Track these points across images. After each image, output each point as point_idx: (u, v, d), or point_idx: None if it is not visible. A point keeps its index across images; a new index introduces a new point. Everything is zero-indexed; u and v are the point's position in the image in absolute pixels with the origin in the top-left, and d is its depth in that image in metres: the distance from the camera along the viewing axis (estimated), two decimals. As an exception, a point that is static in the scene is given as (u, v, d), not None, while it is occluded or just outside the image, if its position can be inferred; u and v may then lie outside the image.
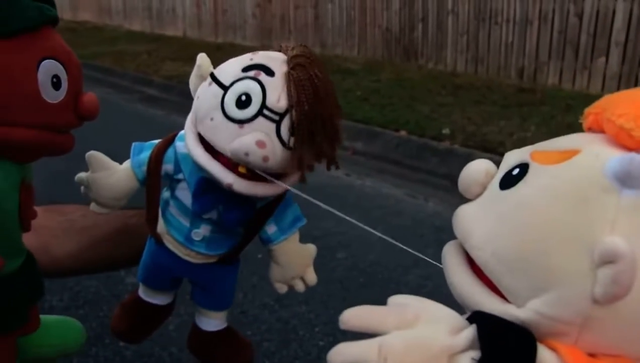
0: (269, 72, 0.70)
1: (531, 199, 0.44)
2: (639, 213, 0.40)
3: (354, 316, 0.44)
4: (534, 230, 0.42)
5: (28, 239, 0.72)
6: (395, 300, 0.46)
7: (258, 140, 0.68)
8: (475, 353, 0.41)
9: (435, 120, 4.01)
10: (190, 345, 0.92)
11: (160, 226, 0.83)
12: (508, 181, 0.47)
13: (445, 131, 3.76)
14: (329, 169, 0.74)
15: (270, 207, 0.81)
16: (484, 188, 0.50)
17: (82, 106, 0.68)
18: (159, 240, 0.84)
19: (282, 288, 0.86)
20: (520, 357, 0.40)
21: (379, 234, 0.66)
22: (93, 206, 0.83)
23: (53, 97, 0.65)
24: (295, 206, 0.84)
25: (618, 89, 4.28)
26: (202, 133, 0.73)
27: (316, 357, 1.71)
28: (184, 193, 0.80)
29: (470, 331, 0.42)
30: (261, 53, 0.74)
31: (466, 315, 0.45)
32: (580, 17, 4.46)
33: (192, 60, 0.77)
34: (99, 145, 0.81)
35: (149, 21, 9.00)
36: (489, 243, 0.45)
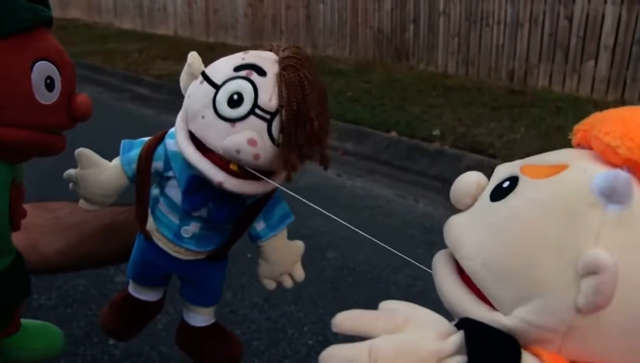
0: (261, 72, 0.71)
1: (520, 212, 0.45)
2: (622, 227, 0.42)
3: (346, 319, 0.45)
4: (523, 242, 0.44)
5: (16, 236, 0.72)
6: (386, 305, 0.47)
7: (250, 139, 0.69)
8: (462, 359, 0.42)
9: (425, 121, 4.02)
10: (178, 341, 0.93)
11: (150, 223, 0.84)
12: (498, 193, 0.48)
13: (436, 132, 3.77)
14: (325, 168, 0.75)
15: (259, 204, 0.81)
16: (474, 199, 0.51)
17: (75, 107, 0.68)
18: (148, 237, 0.84)
19: (271, 285, 0.87)
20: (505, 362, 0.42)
21: (365, 235, 0.67)
22: (82, 203, 0.83)
23: (46, 98, 0.65)
24: (283, 203, 0.85)
25: (607, 92, 4.31)
26: (194, 131, 0.73)
27: (305, 355, 1.71)
28: (174, 191, 0.80)
29: (458, 337, 0.43)
30: (252, 52, 0.74)
31: (454, 322, 0.47)
32: (570, 20, 4.49)
33: (183, 60, 0.77)
34: (89, 143, 0.81)
35: (140, 19, 8.98)
36: (479, 253, 0.46)
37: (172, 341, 0.94)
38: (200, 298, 0.88)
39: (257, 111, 0.70)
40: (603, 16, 4.29)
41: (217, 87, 0.71)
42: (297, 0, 6.62)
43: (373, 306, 0.48)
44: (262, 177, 0.72)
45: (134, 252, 0.87)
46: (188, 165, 0.75)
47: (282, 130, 0.70)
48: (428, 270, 0.53)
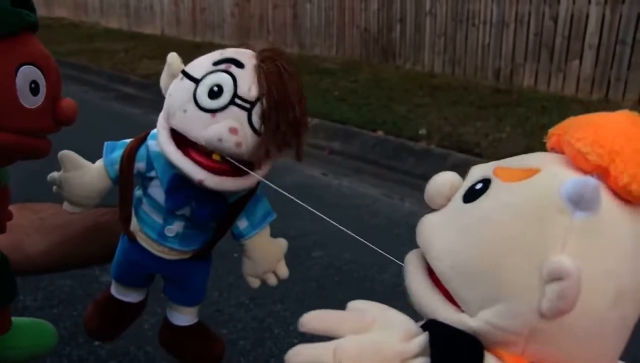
0: (239, 65, 0.73)
1: (491, 215, 0.46)
2: (588, 234, 0.42)
3: (312, 318, 0.45)
4: (492, 245, 0.44)
5: (0, 237, 0.72)
6: (354, 305, 0.48)
7: (231, 127, 0.71)
8: (426, 360, 0.43)
9: (412, 120, 4.03)
10: (161, 340, 0.93)
11: (134, 224, 0.84)
12: (471, 195, 0.49)
13: (422, 131, 3.78)
14: (298, 159, 0.77)
15: (242, 202, 0.82)
16: (448, 200, 0.51)
17: (60, 111, 0.68)
18: (132, 238, 0.84)
19: (255, 283, 0.87)
20: None
21: (352, 234, 0.68)
22: (66, 205, 0.83)
23: (31, 102, 0.65)
24: (265, 201, 0.85)
25: (591, 91, 4.34)
26: (175, 126, 0.74)
27: (291, 355, 1.70)
28: (157, 191, 0.81)
29: (423, 338, 0.43)
30: (230, 49, 0.76)
31: (421, 323, 0.47)
32: (555, 20, 4.51)
33: (171, 59, 0.78)
34: (74, 143, 0.82)
35: (127, 19, 8.94)
36: (448, 255, 0.47)
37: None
38: (184, 297, 0.89)
39: (237, 101, 0.71)
40: (587, 16, 4.32)
41: (197, 81, 0.73)
42: (284, 0, 6.61)
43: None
44: (243, 168, 0.73)
45: (117, 253, 0.88)
46: (170, 164, 0.76)
47: (263, 118, 0.72)
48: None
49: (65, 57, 6.41)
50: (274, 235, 0.87)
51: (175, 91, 0.75)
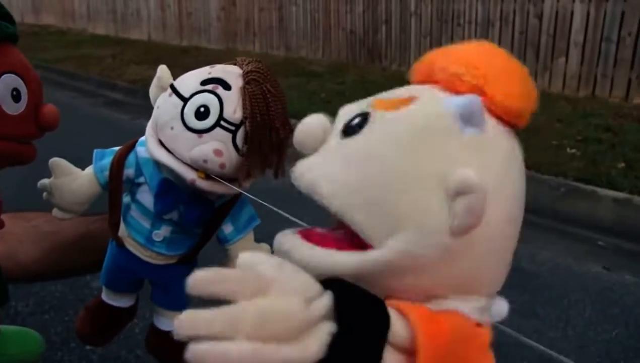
0: (226, 86, 0.75)
1: (376, 144, 0.44)
2: (479, 150, 0.43)
3: (200, 280, 0.37)
4: (382, 175, 0.43)
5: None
6: (246, 260, 0.40)
7: (215, 149, 0.73)
8: (331, 325, 0.38)
9: (399, 121, 4.04)
10: (148, 345, 0.94)
11: (122, 229, 0.85)
12: (350, 130, 0.47)
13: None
14: (276, 177, 0.80)
15: (227, 206, 0.84)
16: (321, 143, 0.49)
17: (42, 117, 0.70)
18: (120, 243, 0.86)
19: None
20: (375, 330, 0.40)
21: (258, 200, 0.71)
22: (55, 211, 0.84)
23: (13, 109, 0.66)
24: (249, 206, 0.87)
25: (578, 88, 4.37)
26: (163, 141, 0.77)
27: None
28: (145, 196, 0.82)
29: (326, 300, 0.38)
30: (218, 67, 0.78)
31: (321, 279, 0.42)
32: (540, 18, 4.54)
33: (157, 64, 0.80)
34: (63, 150, 0.83)
35: (114, 24, 8.92)
36: (339, 190, 0.44)
37: (148, 345, 0.95)
38: (171, 302, 0.90)
39: (223, 123, 0.74)
40: (572, 14, 4.35)
41: (185, 100, 0.75)
42: (270, 3, 6.62)
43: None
44: (228, 184, 0.76)
45: (106, 259, 0.89)
46: (159, 169, 0.78)
47: (246, 140, 0.74)
48: None
49: (53, 64, 6.39)
50: (259, 239, 0.88)
51: (164, 105, 0.77)
